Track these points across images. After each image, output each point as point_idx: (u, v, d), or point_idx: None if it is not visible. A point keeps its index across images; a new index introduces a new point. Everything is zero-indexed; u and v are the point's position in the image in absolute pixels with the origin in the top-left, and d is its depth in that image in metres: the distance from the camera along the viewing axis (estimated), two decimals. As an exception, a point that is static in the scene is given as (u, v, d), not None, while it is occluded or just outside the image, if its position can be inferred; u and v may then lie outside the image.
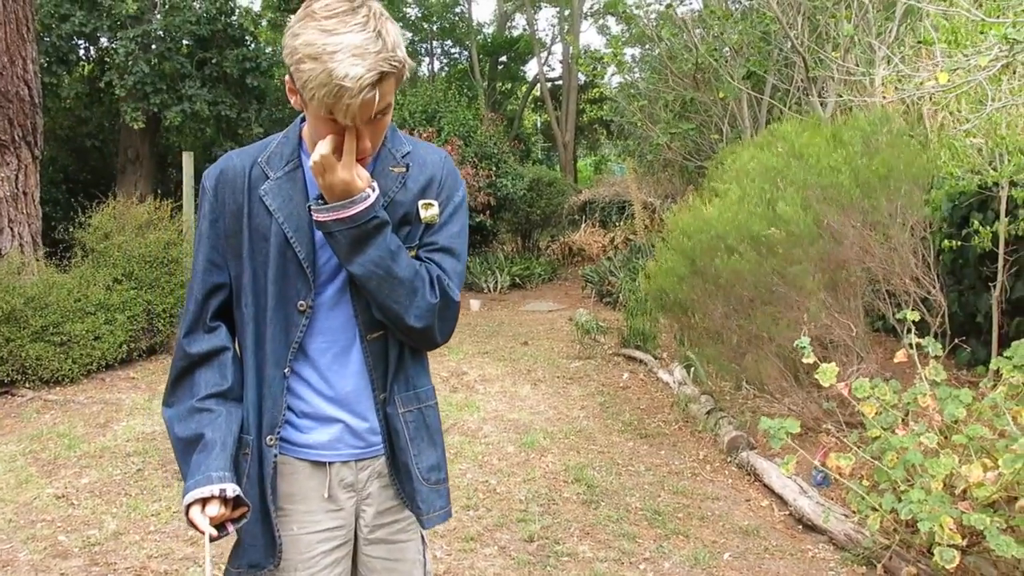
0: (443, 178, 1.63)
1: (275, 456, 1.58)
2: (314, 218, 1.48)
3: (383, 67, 1.35)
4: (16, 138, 6.94)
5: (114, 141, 14.50)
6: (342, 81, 1.32)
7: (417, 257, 1.59)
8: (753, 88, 8.77)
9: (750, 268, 4.40)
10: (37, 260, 7.05)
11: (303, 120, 1.60)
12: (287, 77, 1.45)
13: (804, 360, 3.56)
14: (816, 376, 3.47)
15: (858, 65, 6.75)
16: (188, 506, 1.48)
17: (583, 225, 15.70)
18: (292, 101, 1.48)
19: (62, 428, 5.27)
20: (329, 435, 1.62)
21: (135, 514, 3.94)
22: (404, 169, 1.59)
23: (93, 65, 14.18)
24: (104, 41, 13.56)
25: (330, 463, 1.62)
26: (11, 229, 6.90)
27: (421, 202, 1.59)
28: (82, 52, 13.91)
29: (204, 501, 1.48)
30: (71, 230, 7.33)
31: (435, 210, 1.60)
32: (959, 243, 5.60)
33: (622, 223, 14.89)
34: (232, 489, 1.49)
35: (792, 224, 4.17)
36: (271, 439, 1.58)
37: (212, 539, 1.47)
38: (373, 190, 1.48)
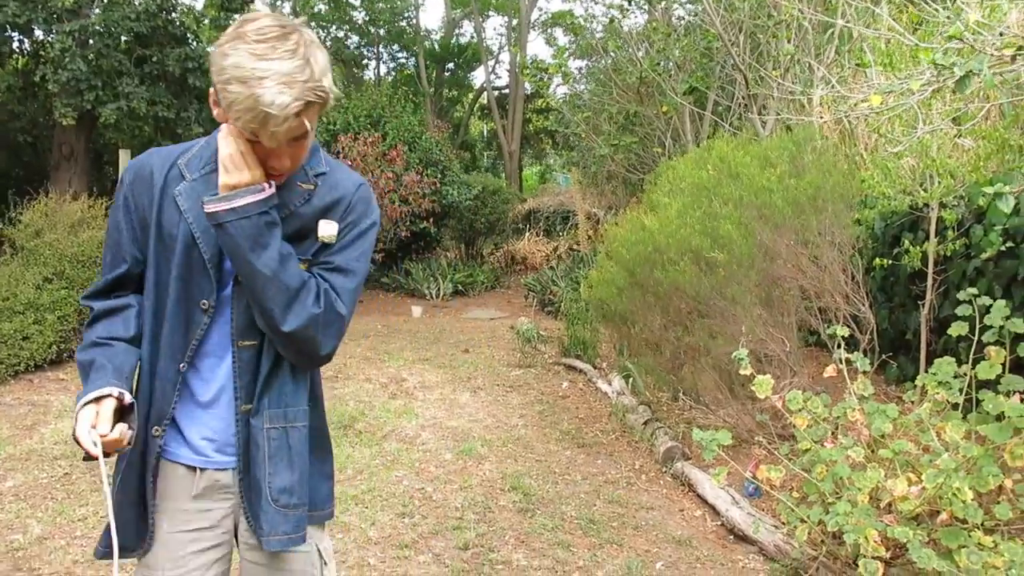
0: (353, 203, 1.65)
1: (159, 446, 1.60)
2: (206, 209, 1.49)
3: (308, 96, 1.40)
4: (-58, 130, 6.71)
5: (48, 137, 14.10)
6: (268, 108, 1.37)
7: (308, 272, 1.61)
8: (695, 103, 8.92)
9: (689, 282, 4.47)
10: (-38, 257, 6.82)
11: None
12: (212, 89, 1.48)
13: (740, 372, 3.62)
14: (753, 388, 3.53)
15: (797, 84, 6.93)
16: (77, 417, 1.46)
17: (527, 234, 15.77)
18: (215, 113, 1.51)
19: (-16, 432, 5.09)
20: (200, 440, 1.64)
21: (61, 518, 3.83)
22: (312, 187, 1.62)
23: (27, 59, 13.77)
24: (39, 34, 13.19)
25: (202, 469, 1.64)
26: (-65, 225, 6.66)
27: (322, 221, 1.61)
28: (16, 45, 13.49)
29: (99, 400, 1.47)
30: (1, 226, 7.11)
31: (333, 231, 1.61)
32: (890, 261, 5.76)
33: (566, 233, 15.00)
34: (129, 397, 1.52)
35: (734, 245, 4.24)
36: (158, 430, 1.60)
37: (91, 458, 1.44)
38: (269, 186, 1.52)
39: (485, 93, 26.53)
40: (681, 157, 7.33)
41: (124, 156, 10.82)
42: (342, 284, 1.62)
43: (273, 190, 1.52)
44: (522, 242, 15.45)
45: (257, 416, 1.61)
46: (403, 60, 28.53)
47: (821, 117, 6.38)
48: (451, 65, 28.52)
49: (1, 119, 13.91)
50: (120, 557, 1.57)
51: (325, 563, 1.73)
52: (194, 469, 1.63)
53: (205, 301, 1.57)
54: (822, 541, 3.52)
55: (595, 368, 7.15)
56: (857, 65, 6.87)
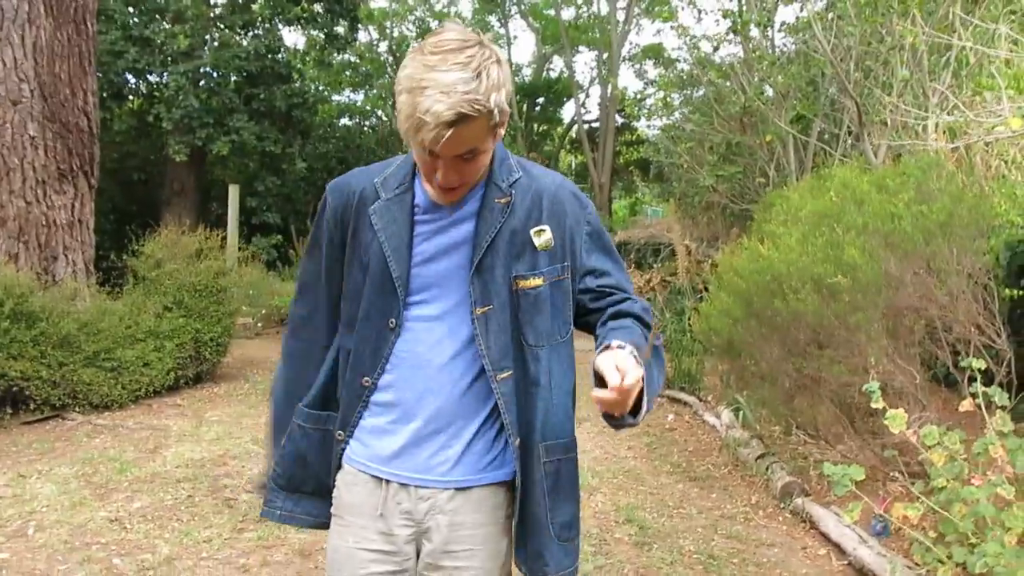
0: (557, 202, 1.62)
1: (342, 449, 1.65)
2: (629, 424, 1.51)
3: (463, 108, 1.36)
4: (75, 167, 7.10)
5: (160, 174, 14.80)
6: (423, 115, 1.36)
7: (558, 285, 1.61)
8: (800, 132, 8.74)
9: (811, 310, 4.34)
10: (89, 287, 7.16)
11: None
12: None
13: (873, 405, 3.48)
14: (885, 422, 3.39)
15: (909, 110, 6.71)
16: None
17: (619, 266, 15.61)
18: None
19: (112, 452, 5.29)
20: (392, 450, 1.60)
21: (187, 540, 3.93)
22: (509, 197, 1.58)
23: (142, 100, 14.54)
24: (154, 77, 13.92)
25: (387, 481, 1.60)
26: (66, 256, 7.03)
27: (532, 230, 1.58)
28: (132, 87, 14.27)
29: None
30: (125, 257, 7.45)
31: (547, 235, 1.59)
32: (1019, 292, 5.49)
33: (658, 265, 14.83)
34: None
35: (859, 271, 4.11)
36: (341, 435, 1.64)
37: None
38: (640, 361, 1.45)
39: (575, 127, 26.65)
40: (789, 186, 7.17)
41: (233, 191, 11.26)
42: (619, 272, 1.68)
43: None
44: (615, 274, 15.28)
45: (531, 451, 1.59)
46: (494, 95, 28.85)
47: (937, 143, 6.16)
48: (541, 99, 28.77)
49: (118, 157, 14.67)
50: (293, 524, 1.77)
51: None
52: (380, 482, 1.61)
53: (392, 320, 1.57)
54: (965, 584, 3.33)
55: (700, 401, 7.01)
56: (975, 91, 6.62)
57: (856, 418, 4.73)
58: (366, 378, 1.59)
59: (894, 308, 4.59)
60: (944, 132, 6.51)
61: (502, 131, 1.50)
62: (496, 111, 1.41)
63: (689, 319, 7.60)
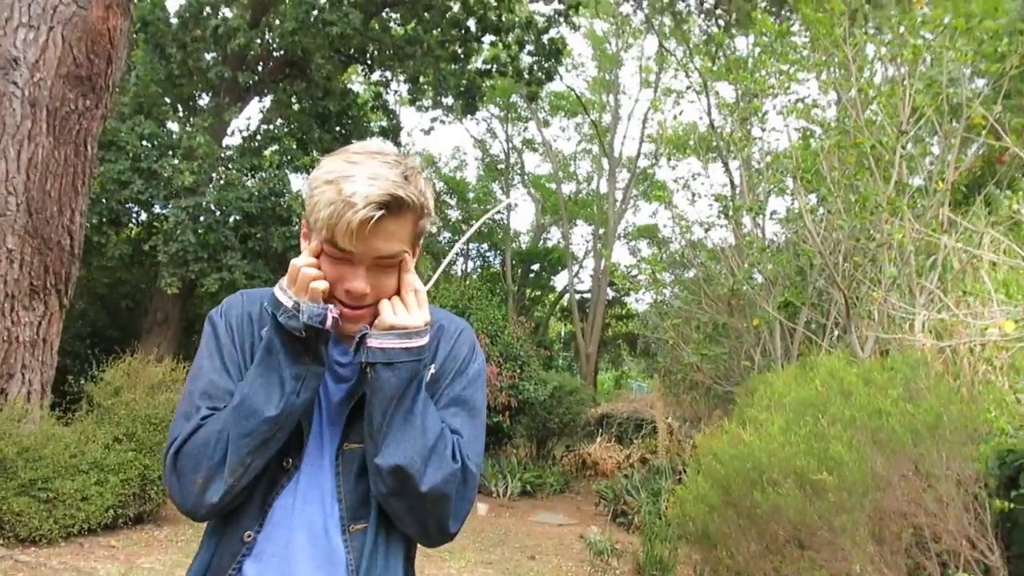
0: (456, 338, 1.50)
1: None
2: (374, 346, 1.30)
3: (395, 191, 1.25)
4: (48, 285, 6.94)
5: (147, 303, 14.68)
6: (349, 197, 1.23)
7: None
8: (787, 319, 8.71)
9: (793, 507, 4.06)
10: (41, 409, 6.83)
11: None
12: (304, 221, 1.38)
13: (856, 619, 3.16)
14: (869, 640, 3.06)
15: (897, 305, 6.67)
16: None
17: (599, 438, 15.31)
18: (302, 247, 1.38)
19: (24, 595, 4.83)
20: None
21: None
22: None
23: (141, 229, 14.63)
24: (156, 208, 14.07)
25: None
26: (22, 375, 6.73)
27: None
28: (133, 216, 14.41)
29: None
30: (83, 382, 7.15)
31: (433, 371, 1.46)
32: (1010, 504, 5.22)
33: (639, 440, 14.50)
34: None
35: (845, 468, 3.88)
36: None
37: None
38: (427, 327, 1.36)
39: (567, 295, 26.91)
40: (773, 372, 7.02)
41: (214, 325, 11.07)
42: (465, 426, 1.41)
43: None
44: (593, 446, 14.97)
45: None
46: (490, 258, 29.43)
47: (924, 342, 6.07)
48: (535, 267, 29.22)
49: (108, 283, 14.59)
50: None
51: None
52: None
53: (289, 459, 1.38)
54: None
55: (672, 592, 6.55)
56: (963, 293, 6.62)
57: (837, 629, 4.35)
58: (248, 533, 1.36)
59: (880, 511, 4.31)
60: (931, 331, 6.45)
61: (415, 259, 1.38)
62: (425, 209, 1.32)
63: (666, 501, 7.25)
